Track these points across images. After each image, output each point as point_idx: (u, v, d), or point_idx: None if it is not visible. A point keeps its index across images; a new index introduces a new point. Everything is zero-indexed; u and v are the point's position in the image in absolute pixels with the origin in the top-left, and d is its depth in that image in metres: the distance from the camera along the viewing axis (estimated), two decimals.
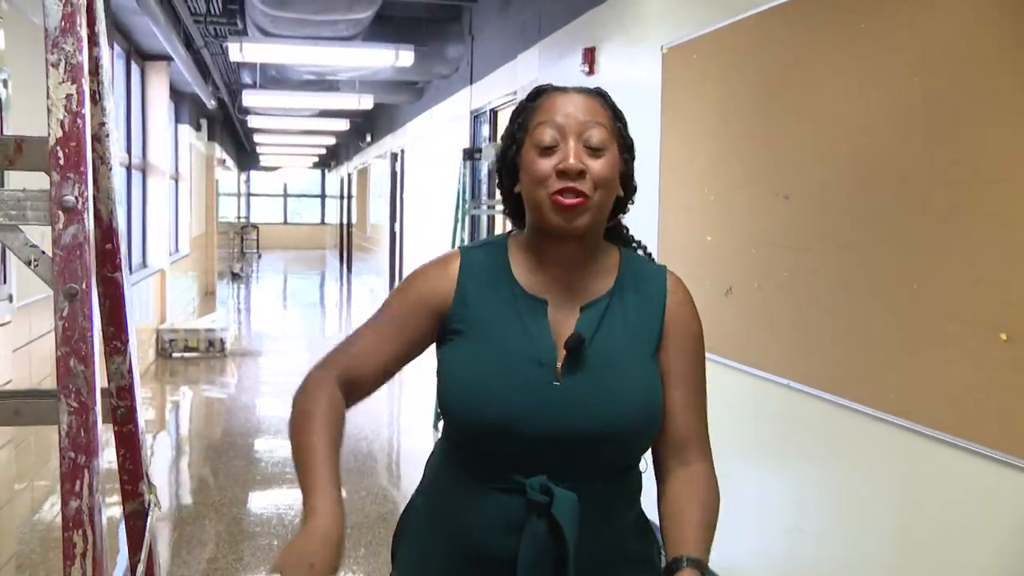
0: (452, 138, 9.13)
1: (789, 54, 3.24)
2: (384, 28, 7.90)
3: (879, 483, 2.80)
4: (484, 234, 8.10)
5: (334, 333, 12.11)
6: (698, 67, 3.92)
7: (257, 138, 19.31)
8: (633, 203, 1.57)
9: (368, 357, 1.45)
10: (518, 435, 1.38)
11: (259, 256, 24.75)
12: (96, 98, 1.08)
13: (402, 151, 13.12)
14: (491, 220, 7.91)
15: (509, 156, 1.50)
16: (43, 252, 0.90)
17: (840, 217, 2.95)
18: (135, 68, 9.08)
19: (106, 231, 1.14)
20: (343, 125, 15.01)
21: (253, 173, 29.30)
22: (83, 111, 0.87)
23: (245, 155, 24.55)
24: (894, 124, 2.71)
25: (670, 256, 4.13)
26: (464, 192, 6.26)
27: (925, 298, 2.56)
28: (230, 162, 20.54)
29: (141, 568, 1.10)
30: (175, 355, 9.51)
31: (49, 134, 0.87)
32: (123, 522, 1.22)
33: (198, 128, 13.91)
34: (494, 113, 7.93)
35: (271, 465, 5.70)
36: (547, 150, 1.41)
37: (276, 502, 4.99)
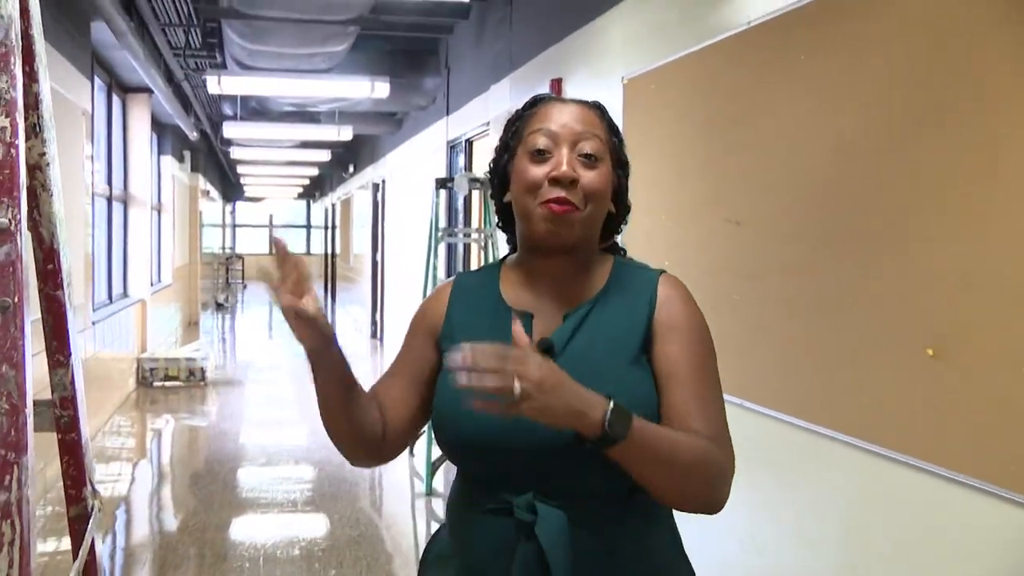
0: (430, 168, 9.25)
1: (737, 86, 3.37)
2: (362, 60, 8.04)
3: (823, 496, 2.90)
4: (461, 262, 8.21)
5: None
6: (656, 98, 4.04)
7: (240, 169, 19.43)
8: (627, 223, 1.53)
9: (383, 388, 1.46)
10: (498, 450, 1.32)
11: (244, 286, 24.78)
12: (37, 130, 1.18)
13: (383, 181, 13.23)
14: (467, 248, 8.02)
15: (501, 165, 1.48)
16: None
17: (785, 243, 3.06)
18: (116, 100, 9.19)
19: (48, 253, 1.23)
20: (325, 156, 15.16)
21: (239, 204, 29.38)
22: (16, 142, 0.97)
23: (230, 186, 24.64)
24: (829, 154, 2.83)
25: None
26: (437, 221, 6.36)
27: (859, 318, 2.67)
28: (214, 193, 20.64)
29: (79, 565, 1.18)
30: (156, 384, 9.56)
31: None
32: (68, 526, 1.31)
33: (181, 159, 14.02)
34: (469, 143, 8.06)
35: (249, 492, 5.76)
36: (540, 156, 1.38)
37: (255, 528, 5.05)
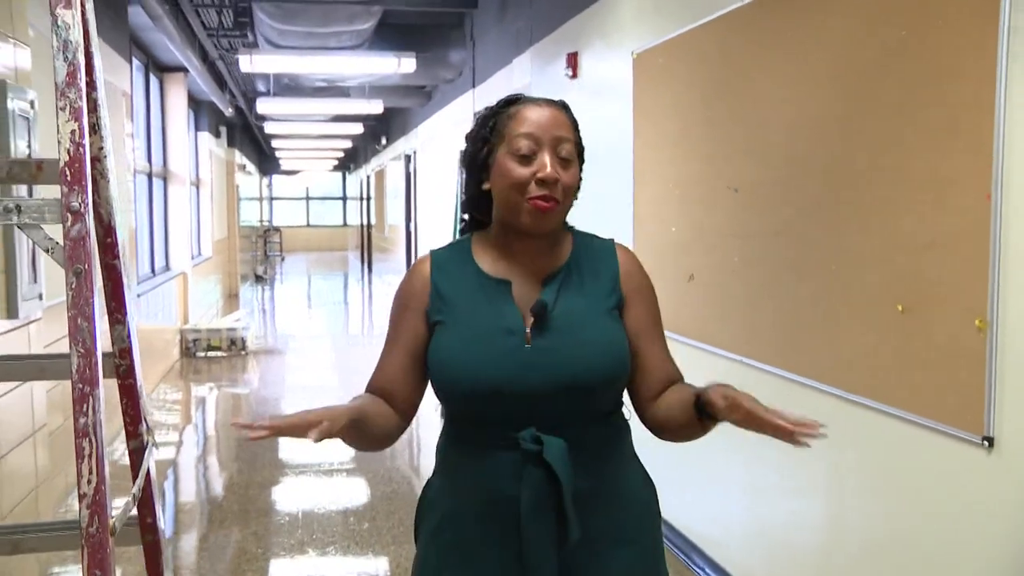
0: (458, 140, 9.47)
1: (737, 59, 3.56)
2: (389, 36, 8.27)
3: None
4: None
5: (357, 332, 12.49)
6: (663, 71, 4.24)
7: (276, 143, 19.77)
8: (577, 198, 1.74)
9: (387, 369, 1.68)
10: (503, 395, 1.57)
11: (282, 258, 25.19)
12: (96, 128, 1.43)
13: (414, 153, 13.49)
14: None
15: (480, 157, 1.69)
16: (57, 243, 1.25)
17: (778, 207, 3.27)
18: (154, 80, 9.49)
19: (106, 229, 1.49)
20: (358, 129, 15.42)
21: (275, 177, 29.75)
22: (84, 142, 1.22)
23: (266, 160, 25.02)
24: (815, 122, 3.04)
25: (643, 247, 4.46)
26: (460, 192, 6.62)
27: (841, 277, 2.89)
28: (251, 167, 21.00)
29: (139, 488, 1.44)
30: (199, 355, 9.92)
31: (60, 159, 1.22)
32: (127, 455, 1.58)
33: (217, 135, 14.34)
34: None
35: (289, 454, 6.06)
36: (524, 159, 1.61)
37: (294, 486, 5.36)
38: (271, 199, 29.87)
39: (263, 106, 10.72)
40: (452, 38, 8.87)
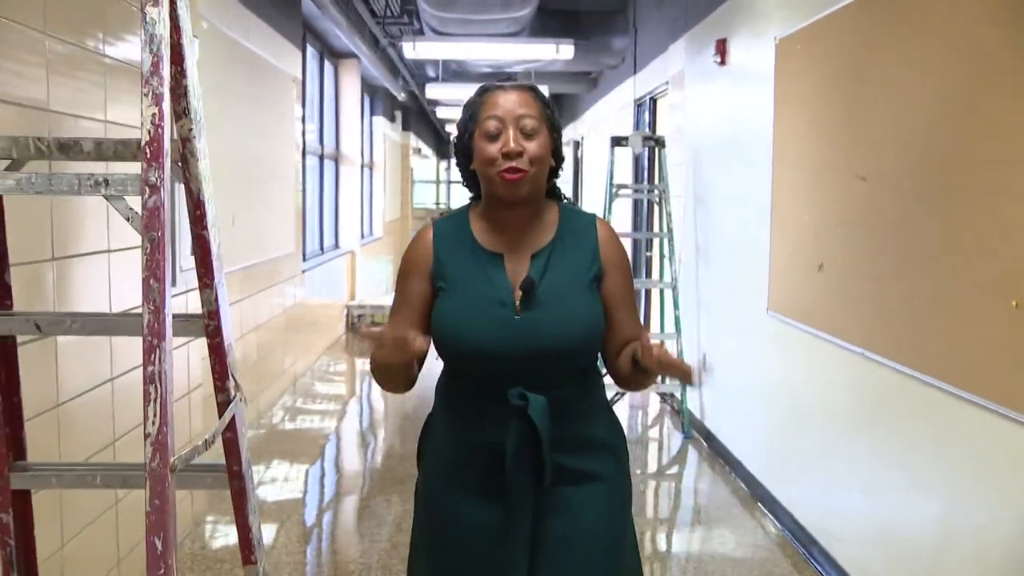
0: (621, 126, 9.52)
1: (872, 45, 3.49)
2: (551, 23, 8.38)
3: (920, 441, 3.05)
4: (645, 218, 8.47)
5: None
6: (802, 57, 4.18)
7: (449, 128, 20.25)
8: (563, 170, 2.01)
9: (402, 325, 1.85)
10: (494, 358, 1.83)
11: None
12: (186, 112, 1.61)
13: (582, 138, 13.59)
14: (643, 204, 8.24)
15: (464, 141, 1.94)
16: (136, 212, 1.42)
17: (901, 196, 3.19)
18: (328, 66, 9.95)
19: (196, 202, 1.66)
20: None
21: (454, 161, 30.42)
22: (163, 124, 1.38)
23: (444, 144, 25.65)
24: (938, 110, 2.95)
25: (778, 235, 4.42)
26: (612, 178, 6.67)
27: (957, 269, 2.81)
28: (427, 151, 21.58)
29: (212, 435, 1.61)
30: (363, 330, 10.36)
31: (141, 139, 1.39)
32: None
33: (392, 119, 14.86)
34: (653, 101, 8.27)
35: None
36: (493, 137, 1.85)
37: None
38: (448, 182, 30.59)
39: (432, 91, 11.06)
40: (614, 24, 8.90)
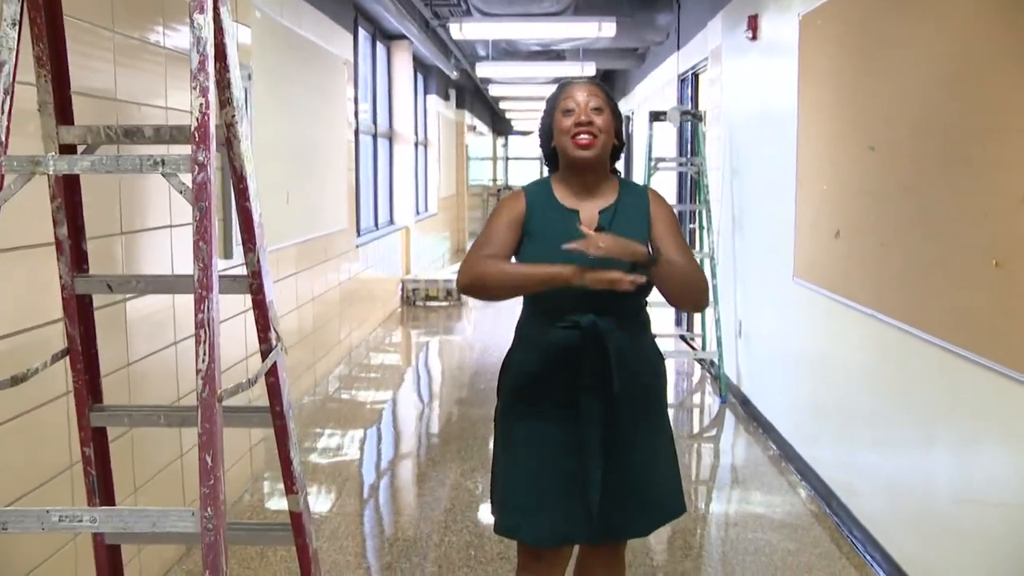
0: (667, 101, 9.68)
1: (883, 16, 3.66)
2: (597, 1, 8.56)
3: (934, 400, 3.25)
4: (690, 190, 8.63)
5: None
6: (821, 33, 4.36)
7: (503, 105, 20.47)
8: (624, 151, 2.57)
9: (500, 248, 2.37)
10: (572, 289, 2.22)
11: None
12: (229, 102, 1.90)
13: (632, 113, 13.73)
14: (687, 178, 8.42)
15: (546, 124, 2.49)
16: (187, 186, 1.71)
17: (905, 165, 3.38)
18: (380, 47, 10.24)
19: (239, 177, 1.95)
20: None
21: (511, 138, 30.67)
22: (209, 112, 1.67)
23: (499, 121, 25.88)
24: (937, 84, 3.14)
25: (803, 206, 4.61)
26: (651, 152, 6.87)
27: (951, 233, 3.00)
28: (483, 128, 21.82)
29: (255, 375, 1.90)
30: (417, 303, 10.71)
31: (191, 125, 1.68)
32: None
33: (446, 97, 15.13)
34: (695, 76, 8.43)
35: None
36: (568, 113, 2.38)
37: None
38: (506, 159, 30.82)
39: (482, 70, 11.30)
40: (659, 1, 9.05)
